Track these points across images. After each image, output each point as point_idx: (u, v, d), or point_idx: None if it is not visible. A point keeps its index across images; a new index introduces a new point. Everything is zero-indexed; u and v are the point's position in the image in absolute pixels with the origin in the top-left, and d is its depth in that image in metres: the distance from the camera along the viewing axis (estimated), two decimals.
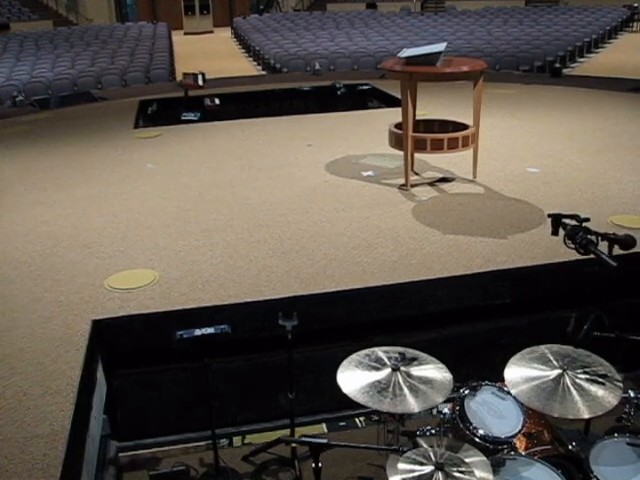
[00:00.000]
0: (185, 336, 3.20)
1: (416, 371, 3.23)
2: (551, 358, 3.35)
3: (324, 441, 3.11)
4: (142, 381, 3.75)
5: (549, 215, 3.53)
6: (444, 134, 5.01)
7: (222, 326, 3.26)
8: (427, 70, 4.83)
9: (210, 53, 17.63)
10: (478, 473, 2.83)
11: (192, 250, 4.21)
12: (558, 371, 3.26)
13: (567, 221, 3.43)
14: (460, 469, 2.83)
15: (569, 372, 3.24)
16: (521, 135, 6.72)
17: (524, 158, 5.90)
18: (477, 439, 3.24)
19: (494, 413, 3.39)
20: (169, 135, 7.26)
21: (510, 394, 3.33)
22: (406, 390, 3.12)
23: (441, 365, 3.30)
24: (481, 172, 5.36)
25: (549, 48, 13.20)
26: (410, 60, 4.87)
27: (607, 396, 3.13)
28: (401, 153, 5.09)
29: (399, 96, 5.07)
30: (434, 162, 5.75)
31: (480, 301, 3.92)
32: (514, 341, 4.13)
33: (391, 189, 5.18)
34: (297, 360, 3.85)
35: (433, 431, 3.37)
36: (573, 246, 3.35)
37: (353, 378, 3.22)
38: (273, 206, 4.90)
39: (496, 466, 3.05)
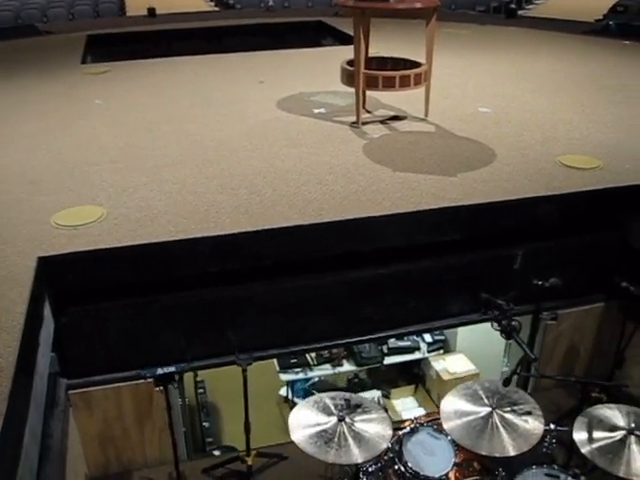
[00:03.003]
0: None
1: (360, 420, 3.56)
2: (482, 395, 3.78)
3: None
4: (91, 318, 3.74)
5: (481, 296, 3.74)
6: (396, 72, 4.97)
7: None
8: (380, 6, 4.76)
9: None
10: None
11: (140, 186, 4.15)
12: (488, 409, 3.68)
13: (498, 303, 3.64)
14: None
15: (497, 410, 3.67)
16: (474, 75, 6.71)
17: (476, 98, 5.91)
18: (412, 477, 3.69)
19: (428, 452, 3.83)
20: (118, 71, 7.09)
21: (443, 434, 3.81)
22: (350, 440, 3.43)
23: (382, 412, 3.66)
24: (433, 111, 5.36)
25: None
26: None
27: (531, 432, 3.56)
28: (353, 91, 5.05)
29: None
30: (386, 100, 5.73)
31: (429, 238, 3.96)
32: (461, 277, 4.24)
33: (342, 126, 5.16)
34: (247, 296, 3.88)
35: (373, 467, 3.77)
36: (499, 329, 3.57)
37: (302, 426, 3.52)
38: (223, 142, 4.85)
39: None
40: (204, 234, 3.55)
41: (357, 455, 3.39)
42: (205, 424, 6.15)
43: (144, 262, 3.56)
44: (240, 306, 3.90)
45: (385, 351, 6.37)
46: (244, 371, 3.97)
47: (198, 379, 6.30)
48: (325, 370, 6.29)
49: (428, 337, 6.52)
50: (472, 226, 4.01)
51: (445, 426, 3.63)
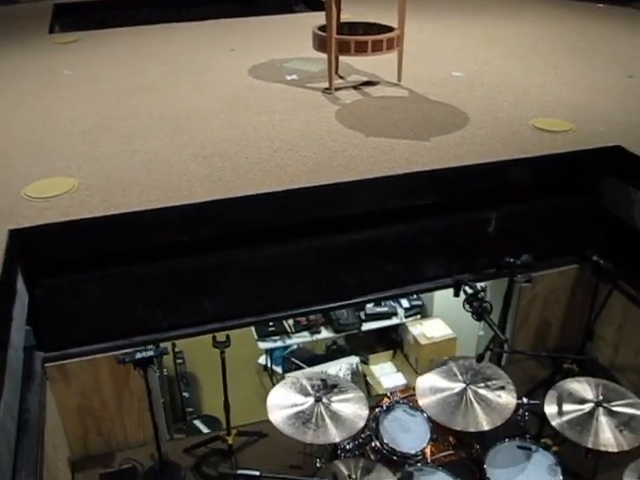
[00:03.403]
0: None
1: (336, 400, 3.68)
2: (456, 372, 3.88)
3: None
4: (66, 290, 3.71)
5: (453, 278, 3.87)
6: (368, 36, 4.93)
7: None
8: None
9: None
10: None
11: (112, 157, 4.10)
12: (462, 385, 3.78)
13: (467, 288, 3.77)
14: None
15: (471, 386, 3.77)
16: (447, 40, 6.68)
17: (449, 62, 5.88)
18: (389, 454, 3.78)
19: (404, 429, 3.92)
20: (87, 40, 6.95)
21: (419, 410, 3.91)
22: (328, 420, 3.54)
23: (359, 392, 3.77)
24: (406, 76, 5.33)
25: None
26: None
27: (504, 406, 3.68)
28: (326, 57, 5.00)
29: None
30: (359, 66, 5.69)
31: (403, 202, 3.96)
32: (436, 241, 4.26)
33: (315, 93, 5.12)
34: (222, 264, 3.88)
35: (351, 444, 3.82)
36: (470, 310, 3.70)
37: (280, 407, 3.63)
38: (195, 111, 4.79)
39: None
40: (177, 203, 3.53)
41: (335, 435, 3.48)
42: (185, 394, 6.19)
43: (117, 232, 3.54)
44: (215, 274, 3.89)
45: (363, 317, 6.42)
46: (222, 353, 4.04)
47: (177, 349, 6.30)
48: (303, 337, 6.33)
49: (405, 303, 6.58)
50: (446, 190, 4.02)
51: (420, 403, 3.73)
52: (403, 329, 6.60)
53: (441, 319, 6.45)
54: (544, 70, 5.65)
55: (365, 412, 3.62)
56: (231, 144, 4.21)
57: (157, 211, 3.49)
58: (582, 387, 3.78)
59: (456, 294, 3.84)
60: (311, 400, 3.65)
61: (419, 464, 3.76)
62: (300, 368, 6.49)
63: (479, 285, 3.85)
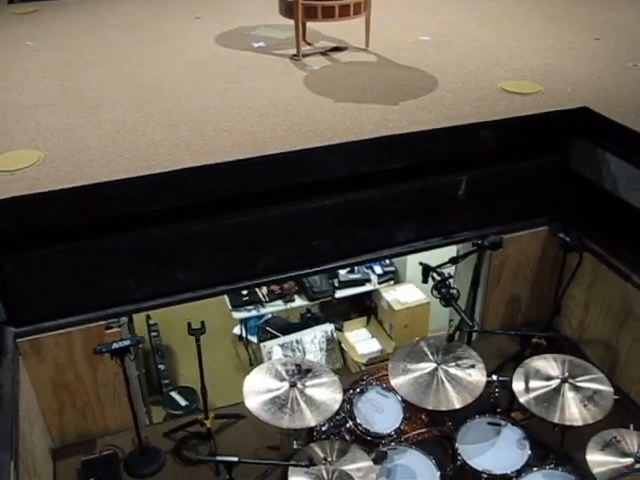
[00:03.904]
0: None
1: (311, 385, 3.78)
2: (427, 352, 4.02)
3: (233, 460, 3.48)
4: (35, 264, 3.66)
5: (420, 263, 4.04)
6: (335, 1, 4.87)
7: None
8: None
9: None
10: None
11: (77, 128, 4.03)
12: (433, 365, 3.91)
13: (435, 275, 3.95)
14: None
15: (442, 366, 3.91)
16: (416, 4, 6.63)
17: (417, 27, 5.84)
18: (363, 434, 3.92)
19: (378, 409, 4.07)
20: (47, 10, 6.79)
21: (392, 391, 4.03)
22: (303, 405, 3.66)
23: (332, 375, 3.88)
24: (374, 41, 5.28)
25: None
26: None
27: (474, 384, 3.83)
28: (293, 23, 4.95)
29: None
30: (326, 31, 5.63)
31: (372, 167, 3.96)
32: (406, 206, 4.27)
33: (283, 59, 5.07)
34: (193, 233, 3.86)
35: (326, 426, 3.96)
36: (438, 296, 3.85)
37: (256, 393, 3.72)
38: (161, 80, 4.72)
39: (380, 459, 3.72)
40: (145, 172, 3.49)
41: (310, 419, 3.60)
42: (160, 367, 6.18)
43: (85, 204, 3.49)
44: (187, 243, 3.86)
45: (336, 285, 6.44)
46: (197, 340, 4.16)
47: (151, 322, 6.30)
48: (277, 306, 6.34)
49: (378, 269, 6.60)
50: (415, 154, 4.02)
51: (393, 383, 3.86)
52: (377, 295, 6.64)
53: (414, 284, 6.48)
54: (514, 34, 5.62)
55: (339, 395, 3.74)
56: (199, 113, 4.16)
57: (125, 181, 3.45)
58: (549, 364, 3.95)
59: (424, 280, 3.98)
60: (286, 385, 3.76)
61: (392, 443, 3.89)
62: (275, 337, 6.51)
63: (446, 272, 3.95)
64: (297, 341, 6.45)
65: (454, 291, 3.84)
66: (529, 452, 3.79)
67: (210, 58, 5.15)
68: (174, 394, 5.77)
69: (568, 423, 3.62)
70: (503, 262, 4.87)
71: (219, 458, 3.51)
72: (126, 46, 5.54)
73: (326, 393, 3.74)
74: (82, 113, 4.23)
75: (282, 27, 5.69)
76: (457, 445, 3.81)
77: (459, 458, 3.76)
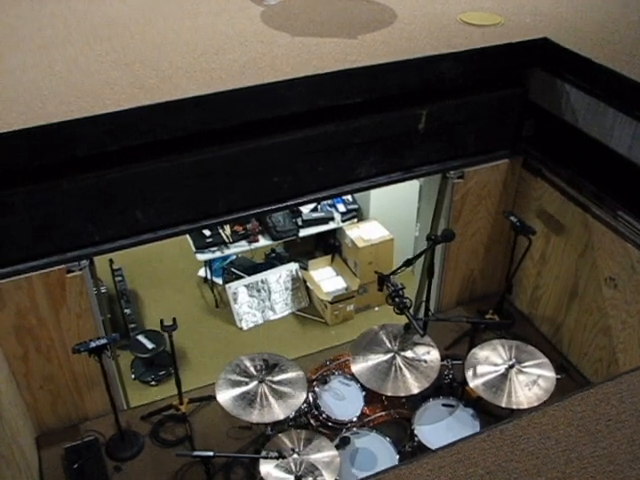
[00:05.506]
0: None
1: (278, 379, 4.07)
2: (385, 340, 4.28)
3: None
4: None
5: (376, 272, 4.35)
6: None
7: None
8: None
9: None
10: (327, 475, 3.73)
11: (28, 68, 3.91)
12: (390, 353, 4.19)
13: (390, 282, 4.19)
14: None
15: (400, 353, 4.18)
16: None
17: None
18: (326, 422, 4.23)
19: (340, 397, 4.38)
20: None
21: (353, 380, 4.35)
22: (272, 399, 3.95)
23: (298, 369, 4.15)
24: None
25: None
26: None
27: (430, 369, 4.10)
28: None
29: None
30: None
31: (332, 101, 3.92)
32: (367, 140, 4.25)
33: None
34: (151, 172, 3.81)
35: (293, 414, 4.17)
36: (393, 305, 4.08)
37: (227, 388, 3.99)
38: (113, 17, 4.59)
39: (343, 445, 4.03)
40: (99, 112, 3.41)
41: (279, 413, 3.89)
42: (127, 311, 6.15)
43: (40, 146, 3.40)
44: (145, 183, 3.81)
45: (300, 224, 6.43)
46: (170, 336, 4.42)
47: (115, 267, 6.24)
48: (242, 247, 6.32)
49: (342, 207, 6.60)
50: (375, 87, 3.98)
51: (353, 370, 4.11)
52: (340, 233, 6.65)
53: (378, 221, 6.50)
54: None
55: (305, 387, 4.06)
56: (153, 50, 4.06)
57: (80, 121, 3.37)
58: (498, 350, 4.22)
59: (380, 289, 4.25)
60: (255, 381, 4.03)
61: (355, 428, 4.17)
62: (240, 278, 6.52)
63: (399, 283, 4.16)
64: (262, 281, 6.47)
65: (406, 300, 4.06)
66: (478, 429, 4.04)
67: None
68: (141, 337, 5.78)
69: (515, 407, 3.89)
70: (464, 196, 4.90)
71: (196, 453, 3.73)
72: None
73: (292, 387, 4.03)
74: (32, 53, 4.10)
75: None
76: (414, 426, 4.10)
77: (415, 440, 4.04)
